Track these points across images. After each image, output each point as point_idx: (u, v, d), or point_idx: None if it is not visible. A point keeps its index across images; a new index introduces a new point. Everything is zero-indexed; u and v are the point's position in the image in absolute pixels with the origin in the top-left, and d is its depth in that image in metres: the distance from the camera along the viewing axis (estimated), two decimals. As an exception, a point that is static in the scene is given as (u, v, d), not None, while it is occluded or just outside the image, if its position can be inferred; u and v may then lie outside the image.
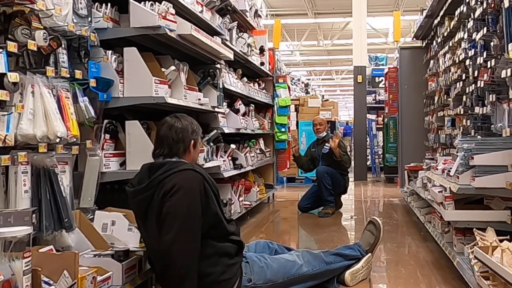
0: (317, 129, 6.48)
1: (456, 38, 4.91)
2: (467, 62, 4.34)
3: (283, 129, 7.96)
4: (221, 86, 4.73)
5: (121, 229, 3.02)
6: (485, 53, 3.75)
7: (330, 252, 3.10)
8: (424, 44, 7.57)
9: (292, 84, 10.59)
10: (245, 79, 6.35)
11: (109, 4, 3.40)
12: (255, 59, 6.57)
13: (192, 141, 2.70)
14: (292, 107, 8.87)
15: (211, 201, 2.56)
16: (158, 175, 2.53)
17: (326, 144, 6.30)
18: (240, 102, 5.99)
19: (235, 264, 2.66)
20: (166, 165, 2.57)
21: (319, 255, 3.02)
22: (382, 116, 10.97)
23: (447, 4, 5.28)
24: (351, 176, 10.83)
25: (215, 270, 2.57)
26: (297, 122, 9.88)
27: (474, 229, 3.15)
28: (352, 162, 9.67)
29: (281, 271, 2.80)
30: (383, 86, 11.26)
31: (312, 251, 3.09)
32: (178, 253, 2.44)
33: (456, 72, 4.92)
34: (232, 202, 5.17)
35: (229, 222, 2.73)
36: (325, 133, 6.47)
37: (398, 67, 8.20)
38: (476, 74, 4.04)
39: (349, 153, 6.51)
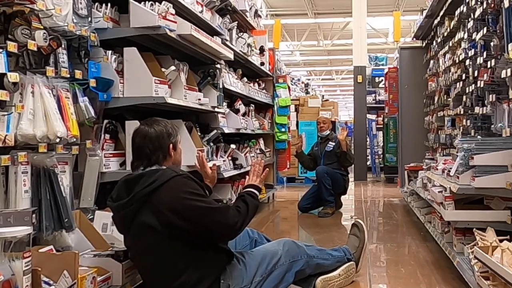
0: (321, 127, 6.51)
1: (456, 38, 4.91)
2: (467, 62, 4.34)
3: (283, 129, 7.96)
4: (221, 86, 4.73)
5: (121, 229, 3.02)
6: (485, 53, 3.75)
7: (315, 247, 3.04)
8: (424, 44, 7.57)
9: (292, 84, 10.59)
10: (245, 79, 6.35)
11: (109, 4, 3.40)
12: (255, 59, 6.57)
13: (171, 145, 2.60)
14: (292, 107, 8.87)
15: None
16: (141, 189, 2.41)
17: (330, 142, 6.34)
18: (240, 102, 5.99)
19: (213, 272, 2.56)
20: (144, 177, 2.44)
21: (301, 246, 2.93)
22: (382, 116, 10.97)
23: (447, 4, 5.28)
24: (351, 176, 10.85)
25: (191, 279, 2.46)
26: (297, 122, 9.88)
27: (474, 229, 3.15)
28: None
29: (261, 267, 2.69)
30: (383, 86, 11.26)
31: (297, 241, 2.98)
32: (234, 217, 2.48)
33: (456, 72, 4.92)
34: (232, 202, 5.17)
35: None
36: (328, 132, 6.51)
37: (398, 67, 8.20)
38: (476, 74, 4.04)
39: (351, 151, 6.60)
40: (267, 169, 3.06)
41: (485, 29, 3.68)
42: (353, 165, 9.88)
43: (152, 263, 2.49)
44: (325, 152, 6.38)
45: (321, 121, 6.56)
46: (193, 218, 2.42)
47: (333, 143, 6.35)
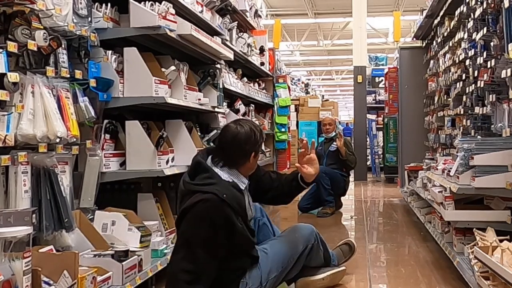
0: (327, 129, 6.48)
1: (456, 38, 4.91)
2: (467, 62, 4.33)
3: (283, 129, 7.96)
4: (221, 86, 4.73)
5: (121, 229, 3.03)
6: (485, 53, 3.75)
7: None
8: (424, 44, 7.57)
9: (292, 84, 10.59)
10: (245, 79, 6.35)
11: (109, 4, 3.40)
12: (255, 59, 6.56)
13: (253, 153, 2.65)
14: (292, 107, 8.86)
15: (236, 233, 2.50)
16: (193, 184, 2.52)
17: (334, 142, 6.33)
18: (240, 102, 5.99)
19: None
20: (202, 177, 2.53)
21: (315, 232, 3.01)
22: (382, 116, 10.96)
23: (447, 4, 5.27)
24: (351, 176, 10.84)
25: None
26: (297, 122, 9.87)
27: (474, 229, 3.15)
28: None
29: (277, 264, 2.74)
30: (383, 86, 11.25)
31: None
32: (171, 278, 2.46)
33: (456, 72, 4.92)
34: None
35: (252, 234, 2.69)
36: (334, 133, 6.46)
37: (398, 67, 8.19)
38: (476, 74, 4.03)
39: (355, 154, 6.53)
40: None
41: (485, 29, 3.67)
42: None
43: None
44: (329, 152, 6.36)
45: (327, 123, 6.52)
46: (178, 240, 2.55)
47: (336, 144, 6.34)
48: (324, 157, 6.40)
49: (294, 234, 2.90)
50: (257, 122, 6.68)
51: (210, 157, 2.67)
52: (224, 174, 2.60)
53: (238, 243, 2.53)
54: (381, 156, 11.03)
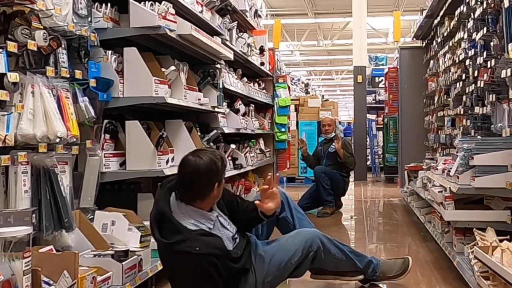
0: (326, 130, 6.48)
1: (456, 38, 4.91)
2: (467, 62, 4.33)
3: (283, 129, 7.95)
4: (221, 86, 4.73)
5: (121, 229, 3.03)
6: (485, 53, 3.75)
7: (338, 244, 2.97)
8: (424, 44, 7.57)
9: (292, 84, 10.58)
10: (245, 79, 6.34)
11: (109, 4, 3.40)
12: (255, 59, 6.56)
13: (217, 183, 2.55)
14: (292, 107, 8.86)
15: (222, 273, 2.47)
16: (164, 242, 2.47)
17: (333, 143, 6.32)
18: (240, 102, 5.99)
19: None
20: (169, 232, 2.45)
21: (324, 240, 2.92)
22: (382, 116, 10.97)
23: (447, 4, 5.27)
24: (351, 176, 10.84)
25: None
26: (297, 122, 9.87)
27: (474, 229, 3.15)
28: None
29: (271, 267, 2.73)
30: (383, 86, 11.25)
31: (322, 235, 2.95)
32: None
33: (456, 72, 4.92)
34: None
35: (238, 261, 2.64)
36: (333, 134, 6.46)
37: (398, 67, 8.19)
38: (476, 74, 4.03)
39: (354, 155, 6.53)
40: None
41: (485, 29, 3.67)
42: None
43: None
44: (328, 153, 6.37)
45: (326, 124, 6.52)
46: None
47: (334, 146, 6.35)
48: (323, 157, 6.41)
49: (294, 240, 2.85)
50: (257, 122, 6.69)
51: (173, 195, 2.57)
52: (189, 223, 2.50)
53: (225, 278, 2.52)
54: (381, 156, 11.04)
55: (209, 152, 2.58)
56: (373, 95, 11.86)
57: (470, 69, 4.22)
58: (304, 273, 2.93)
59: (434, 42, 6.36)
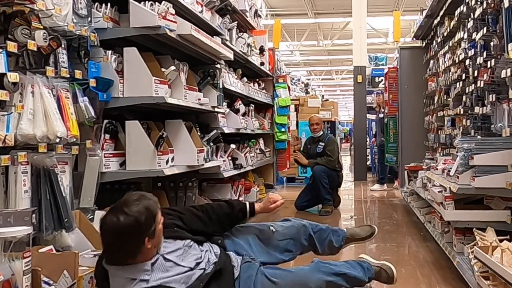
0: (314, 128, 6.61)
1: (456, 38, 4.90)
2: (467, 62, 4.33)
3: (283, 129, 7.96)
4: (221, 86, 4.73)
5: (121, 229, 3.02)
6: (485, 53, 3.75)
7: (333, 270, 2.81)
8: (424, 44, 7.56)
9: (292, 84, 10.58)
10: (245, 79, 6.35)
11: (109, 4, 3.40)
12: (255, 59, 6.57)
13: (147, 238, 2.15)
14: (292, 107, 8.87)
15: None
16: None
17: (320, 143, 6.49)
18: (240, 102, 5.99)
19: None
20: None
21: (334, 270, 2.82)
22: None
23: (447, 4, 5.27)
24: (351, 176, 10.83)
25: None
26: (297, 122, 9.87)
27: (474, 229, 3.15)
28: (352, 162, 9.65)
29: None
30: (383, 86, 11.24)
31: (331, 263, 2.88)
32: None
33: (456, 72, 4.92)
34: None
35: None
36: (321, 132, 6.63)
37: (398, 67, 8.19)
38: (476, 74, 4.03)
39: (338, 157, 6.63)
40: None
41: (485, 29, 3.67)
42: (352, 165, 9.87)
43: None
44: (316, 153, 6.52)
45: (314, 123, 6.64)
46: None
47: (323, 144, 6.49)
48: (313, 157, 6.49)
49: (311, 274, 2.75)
50: (257, 122, 6.68)
51: (103, 261, 2.24)
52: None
53: None
54: (381, 156, 11.02)
55: (133, 204, 2.15)
56: (373, 95, 11.85)
57: (470, 69, 4.22)
58: None
59: (434, 42, 6.36)
